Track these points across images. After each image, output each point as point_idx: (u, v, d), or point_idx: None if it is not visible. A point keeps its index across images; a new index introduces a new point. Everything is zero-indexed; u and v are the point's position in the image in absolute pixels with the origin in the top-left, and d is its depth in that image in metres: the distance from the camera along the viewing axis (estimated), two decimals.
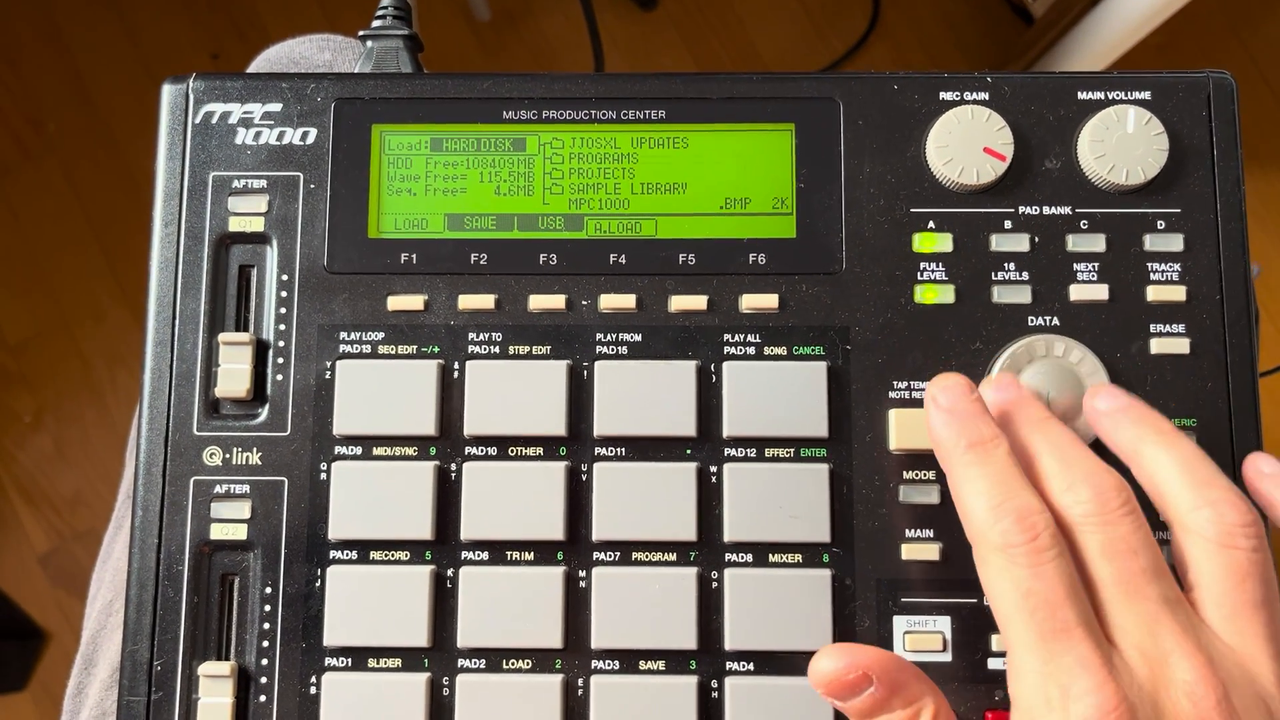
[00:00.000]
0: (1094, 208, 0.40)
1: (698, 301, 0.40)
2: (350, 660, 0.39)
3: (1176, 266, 0.40)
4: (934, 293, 0.40)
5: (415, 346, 0.40)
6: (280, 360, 0.40)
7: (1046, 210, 0.41)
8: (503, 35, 1.32)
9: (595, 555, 0.39)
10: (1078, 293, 0.40)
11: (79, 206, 1.27)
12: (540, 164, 0.41)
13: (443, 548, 0.39)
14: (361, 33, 0.46)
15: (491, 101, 0.42)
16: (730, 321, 0.40)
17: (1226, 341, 0.40)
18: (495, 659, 0.39)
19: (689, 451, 0.40)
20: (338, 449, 0.40)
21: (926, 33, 1.32)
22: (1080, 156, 0.40)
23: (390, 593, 0.39)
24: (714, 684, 0.38)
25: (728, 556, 0.39)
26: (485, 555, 0.39)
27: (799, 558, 0.39)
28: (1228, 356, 0.40)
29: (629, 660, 0.39)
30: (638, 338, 0.40)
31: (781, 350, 0.40)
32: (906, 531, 0.39)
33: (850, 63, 1.31)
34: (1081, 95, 0.41)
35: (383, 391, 0.40)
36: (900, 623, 0.39)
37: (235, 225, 0.41)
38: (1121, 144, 0.40)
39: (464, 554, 0.39)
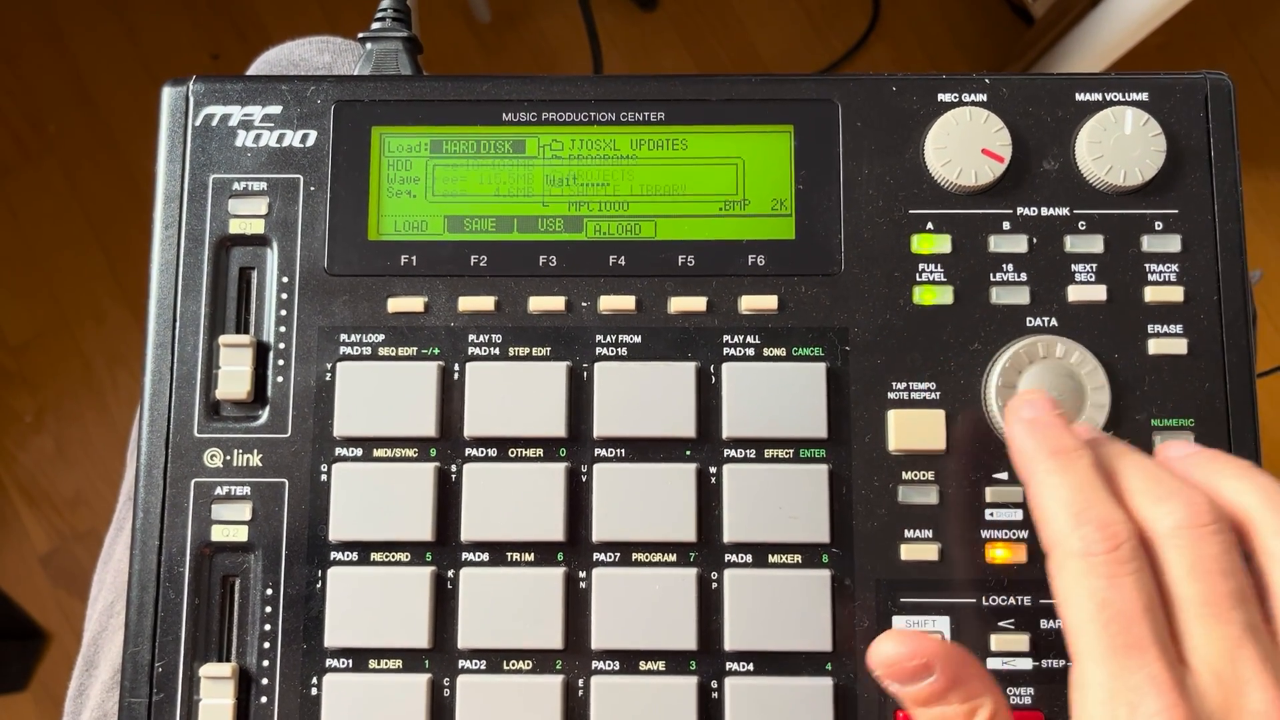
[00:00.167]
0: (1092, 209, 0.41)
1: (697, 303, 0.40)
2: (351, 661, 0.39)
3: (1174, 267, 0.40)
4: (933, 294, 0.40)
5: (415, 348, 0.41)
6: (281, 362, 0.40)
7: (1045, 211, 0.41)
8: (502, 36, 1.32)
9: (595, 556, 0.39)
10: (1076, 294, 0.40)
11: (79, 207, 1.27)
12: (540, 166, 0.42)
13: (443, 549, 0.39)
14: (361, 35, 0.46)
15: (491, 104, 0.42)
16: (729, 323, 0.40)
17: (1224, 342, 0.40)
18: (496, 660, 0.39)
19: (688, 452, 0.40)
20: (338, 451, 0.40)
21: (926, 33, 1.32)
22: (1078, 158, 0.41)
23: (391, 594, 0.39)
24: (714, 684, 0.39)
25: (727, 557, 0.39)
26: (485, 556, 0.39)
27: (798, 558, 0.39)
28: (1225, 357, 0.40)
29: (629, 661, 0.39)
30: (637, 339, 0.40)
31: (781, 351, 0.40)
32: (905, 532, 0.39)
33: (850, 63, 1.31)
34: (1079, 97, 0.41)
35: (383, 393, 0.40)
36: (899, 623, 0.39)
37: (235, 227, 0.41)
38: (1119, 145, 0.40)
39: (464, 555, 0.39)
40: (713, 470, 0.40)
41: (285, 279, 0.41)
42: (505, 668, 0.39)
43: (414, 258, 0.41)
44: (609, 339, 0.40)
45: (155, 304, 0.41)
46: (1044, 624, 0.39)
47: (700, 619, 0.39)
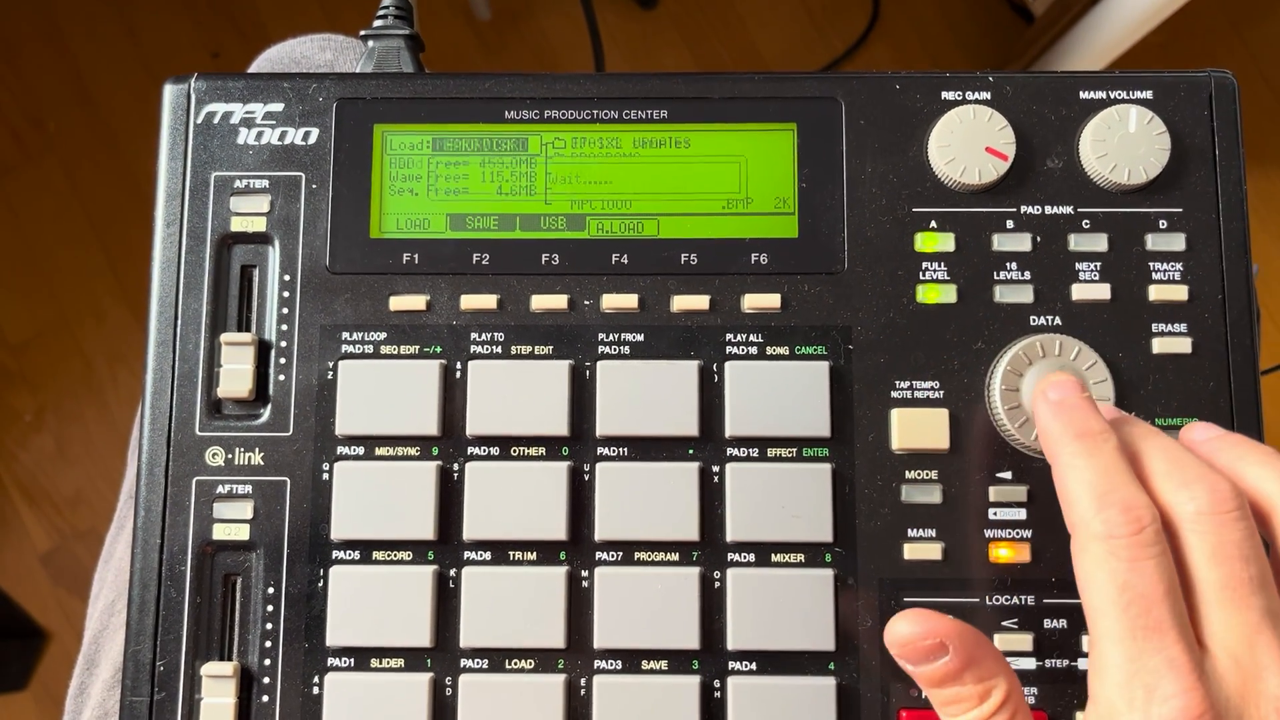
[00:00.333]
0: (1096, 207, 0.40)
1: (700, 301, 0.40)
2: (353, 660, 0.39)
3: (1178, 266, 0.40)
4: (936, 292, 0.40)
5: (417, 346, 0.40)
6: (282, 360, 0.40)
7: (1048, 210, 0.40)
8: (503, 35, 1.32)
9: (598, 555, 0.39)
10: (1080, 292, 0.40)
11: (79, 205, 1.27)
12: (542, 164, 0.41)
13: (445, 548, 0.39)
14: (363, 32, 0.46)
15: (493, 101, 0.42)
16: (732, 321, 0.40)
17: (1228, 340, 0.40)
18: (498, 659, 0.39)
19: (691, 451, 0.40)
20: (340, 449, 0.40)
21: (927, 31, 1.32)
22: (1082, 156, 0.40)
23: (393, 593, 0.39)
24: (716, 684, 0.38)
25: (730, 556, 0.39)
26: (488, 555, 0.39)
27: (801, 557, 0.39)
28: (1229, 356, 0.40)
29: (631, 660, 0.39)
30: (640, 337, 0.40)
31: (784, 350, 0.40)
32: (909, 531, 0.39)
33: (850, 62, 1.31)
34: (1083, 95, 0.41)
35: (385, 391, 0.40)
36: None
37: (237, 225, 0.41)
38: (1123, 143, 0.40)
39: (466, 554, 0.39)
40: (715, 469, 0.39)
41: (287, 277, 0.41)
42: (507, 667, 0.39)
43: (416, 256, 0.41)
44: (611, 337, 0.40)
45: (157, 302, 0.41)
46: (1047, 624, 0.38)
47: (703, 618, 0.39)
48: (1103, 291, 0.40)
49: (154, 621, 0.39)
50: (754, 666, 0.39)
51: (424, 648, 0.39)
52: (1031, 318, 0.40)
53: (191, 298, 0.41)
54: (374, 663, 0.39)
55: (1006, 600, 0.39)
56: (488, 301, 0.41)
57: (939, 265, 0.40)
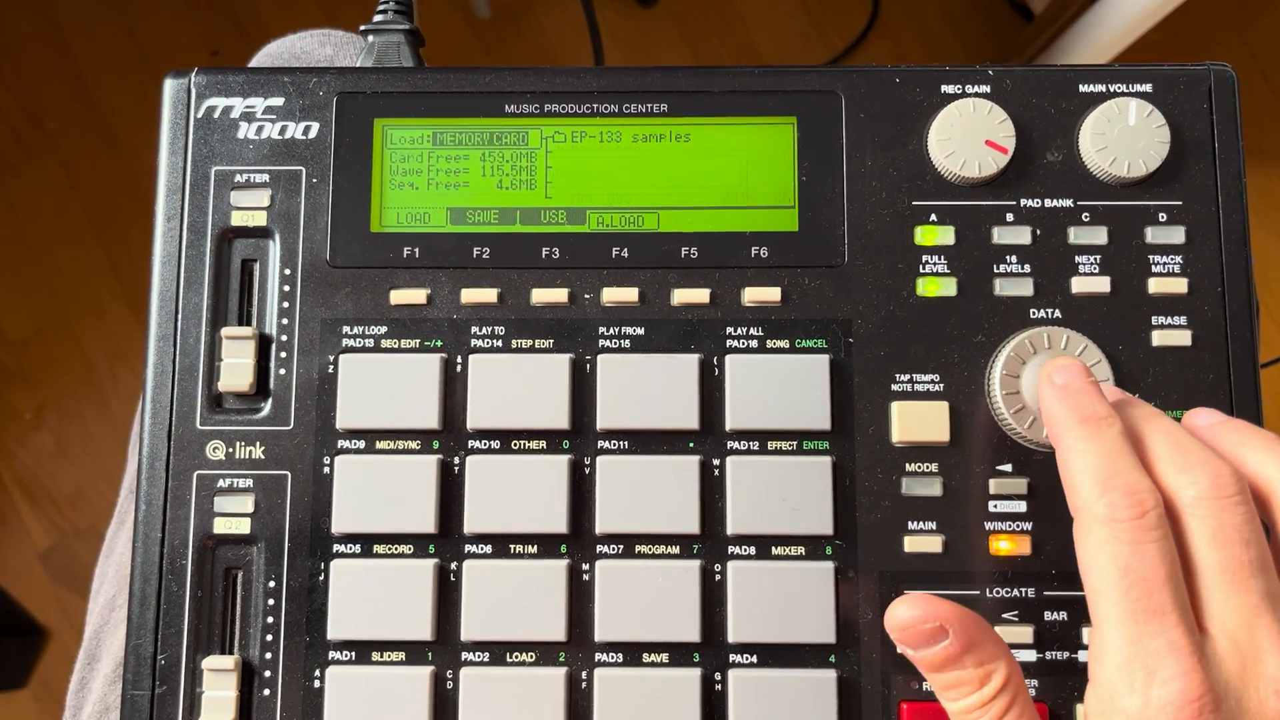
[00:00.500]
0: (1095, 200, 0.41)
1: (700, 295, 0.40)
2: (354, 654, 0.39)
3: (1178, 259, 0.40)
4: (936, 285, 0.40)
5: (418, 340, 0.40)
6: (283, 354, 0.40)
7: (1048, 203, 0.41)
8: (503, 32, 1.32)
9: (598, 548, 0.39)
10: (1079, 285, 0.40)
11: (79, 203, 1.27)
12: (542, 158, 0.41)
13: (446, 541, 0.39)
14: (363, 27, 0.46)
15: (494, 95, 0.42)
16: (732, 314, 0.40)
17: (1228, 333, 0.40)
18: (499, 652, 0.39)
19: (691, 444, 0.40)
20: (341, 443, 0.40)
21: (926, 29, 1.32)
22: (1082, 149, 0.41)
23: (394, 586, 0.39)
24: (717, 676, 0.39)
25: (730, 549, 0.39)
26: (488, 548, 0.39)
27: (802, 550, 0.39)
28: (1229, 348, 0.40)
29: (632, 653, 0.39)
30: (640, 331, 0.40)
31: (784, 343, 0.40)
32: (909, 524, 0.39)
33: (850, 59, 1.31)
34: (1083, 88, 0.41)
35: (386, 385, 0.40)
36: None
37: (238, 220, 0.41)
38: (1123, 136, 0.40)
39: (467, 547, 0.39)
40: (716, 462, 0.40)
41: (287, 271, 0.41)
42: (508, 660, 0.39)
43: (416, 250, 0.41)
44: (612, 331, 0.40)
45: (157, 297, 0.41)
46: (1048, 616, 0.38)
47: (703, 611, 0.39)
48: (1102, 284, 0.40)
49: (155, 616, 0.39)
50: (755, 659, 0.39)
51: (425, 641, 0.39)
52: (1031, 311, 0.40)
53: (192, 292, 0.41)
54: (375, 656, 0.39)
55: (1007, 593, 0.39)
56: (488, 295, 0.41)
57: (939, 258, 0.40)
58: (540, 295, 0.41)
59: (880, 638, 0.38)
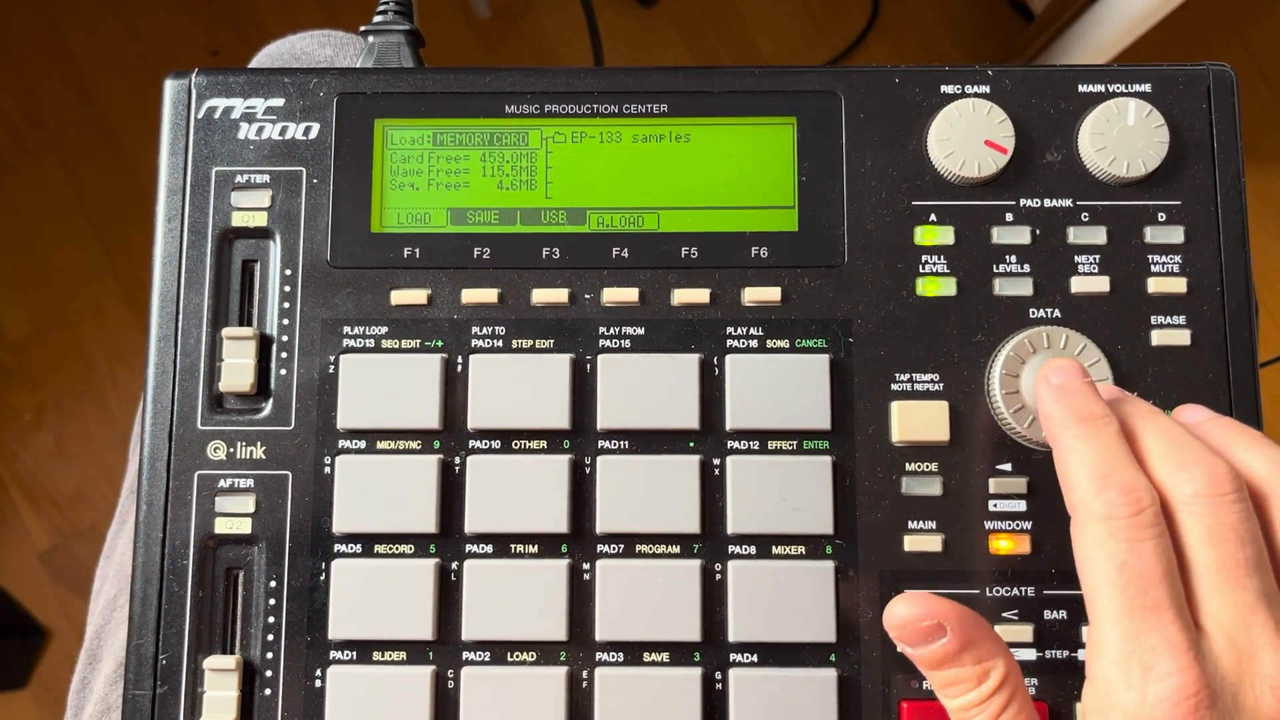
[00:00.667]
0: (1095, 200, 0.41)
1: (700, 295, 0.40)
2: (355, 653, 0.39)
3: (1177, 258, 0.40)
4: (936, 285, 0.40)
5: (418, 340, 0.41)
6: (284, 355, 0.40)
7: (1047, 203, 0.41)
8: (503, 33, 1.32)
9: (599, 548, 0.39)
10: (1079, 285, 0.40)
11: (79, 203, 1.27)
12: (542, 158, 0.42)
13: (447, 541, 0.39)
14: (363, 28, 0.46)
15: (494, 96, 0.42)
16: (733, 314, 0.40)
17: (1227, 333, 0.40)
18: (500, 651, 0.39)
19: (692, 444, 0.40)
20: (341, 443, 0.40)
21: (926, 29, 1.32)
22: (1081, 149, 0.41)
23: (395, 586, 0.39)
24: (718, 675, 0.39)
25: (731, 548, 0.39)
26: (489, 548, 0.39)
27: (802, 549, 0.39)
28: (1228, 347, 0.40)
29: (633, 652, 0.39)
30: (640, 331, 0.40)
31: (784, 343, 0.40)
32: (909, 523, 0.39)
33: (849, 60, 1.31)
34: (1082, 88, 0.41)
35: (386, 385, 0.40)
36: None
37: (238, 220, 0.41)
38: (1122, 136, 0.40)
39: (468, 547, 0.39)
40: (716, 462, 0.40)
41: (288, 271, 0.41)
42: (509, 659, 0.39)
43: (417, 250, 0.41)
44: (612, 331, 0.40)
45: (158, 297, 0.41)
46: (1047, 615, 0.39)
47: (704, 610, 0.39)
48: (1102, 284, 0.40)
49: (156, 616, 0.39)
50: (755, 658, 0.39)
51: (426, 640, 0.39)
52: (1031, 310, 0.40)
53: (193, 292, 0.41)
54: (376, 655, 0.39)
55: (1007, 592, 0.39)
56: (488, 295, 0.41)
57: (939, 258, 0.40)
58: (540, 295, 0.41)
59: (880, 637, 0.38)
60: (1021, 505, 0.39)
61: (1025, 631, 0.38)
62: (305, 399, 0.40)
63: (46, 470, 1.22)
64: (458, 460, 0.40)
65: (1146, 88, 0.41)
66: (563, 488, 0.39)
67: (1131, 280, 0.40)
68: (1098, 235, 0.40)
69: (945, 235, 0.41)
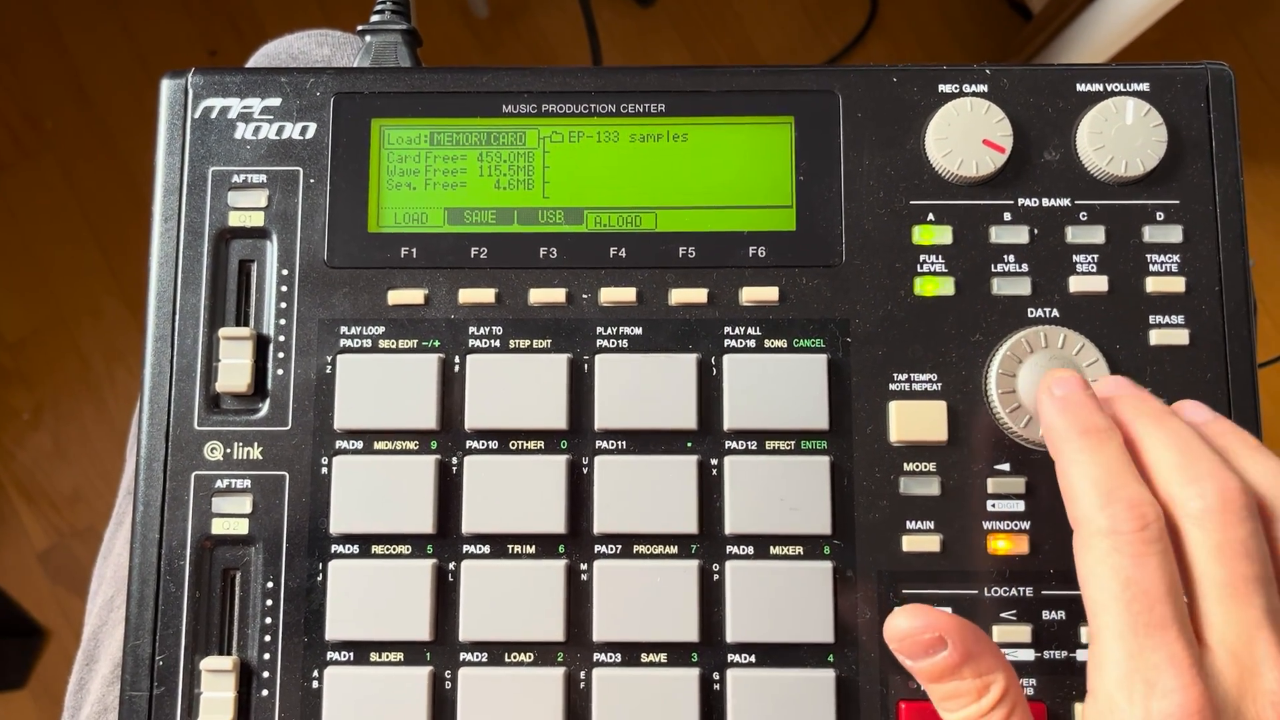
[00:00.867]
0: (1093, 199, 0.41)
1: (698, 294, 0.40)
2: (352, 654, 0.39)
3: (1175, 258, 0.40)
4: (934, 285, 0.40)
5: (416, 340, 0.40)
6: (281, 355, 0.40)
7: (1046, 202, 0.41)
8: (501, 32, 1.32)
9: (596, 548, 0.39)
10: (1077, 284, 0.40)
11: (76, 203, 1.27)
12: (540, 158, 0.41)
13: (444, 541, 0.39)
14: (360, 27, 0.46)
15: (491, 95, 0.42)
16: (730, 314, 0.40)
17: (1225, 332, 0.40)
18: (497, 652, 0.39)
19: (690, 444, 0.40)
20: (339, 443, 0.40)
21: (924, 29, 1.32)
22: (1079, 148, 0.41)
23: (392, 586, 0.39)
24: (716, 676, 0.39)
25: (729, 549, 0.39)
26: (487, 549, 0.39)
27: (800, 550, 0.39)
28: (1227, 347, 0.40)
29: (631, 653, 0.39)
30: (638, 331, 0.40)
31: (782, 343, 0.40)
32: (907, 523, 0.39)
33: (848, 59, 1.31)
34: (1080, 87, 0.41)
35: (384, 385, 0.40)
36: None
37: (235, 220, 0.41)
38: (1120, 136, 0.40)
39: (465, 547, 0.39)
40: (714, 462, 0.40)
41: (285, 271, 0.41)
42: (507, 660, 0.39)
43: (414, 250, 0.41)
44: (610, 331, 0.40)
45: (155, 297, 0.41)
46: (1046, 615, 0.38)
47: (702, 611, 0.39)
48: (1100, 283, 0.40)
49: (153, 616, 0.39)
50: (753, 659, 0.39)
51: (423, 641, 0.39)
52: (1029, 310, 0.40)
53: (190, 293, 0.41)
54: (373, 656, 0.39)
55: (1005, 592, 0.39)
56: (486, 295, 0.41)
57: (936, 258, 0.40)
58: (538, 295, 0.41)
59: (878, 637, 0.38)
60: (1020, 505, 0.39)
61: (1023, 632, 0.38)
62: (302, 399, 0.40)
63: (44, 470, 1.22)
64: (455, 460, 0.40)
65: (1145, 87, 0.41)
66: (560, 488, 0.39)
67: (1130, 280, 0.40)
68: (1096, 235, 0.40)
69: (943, 235, 0.40)
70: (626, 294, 0.40)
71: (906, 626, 0.33)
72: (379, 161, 0.42)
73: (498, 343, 0.40)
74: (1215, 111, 0.41)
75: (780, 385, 0.40)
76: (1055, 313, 0.40)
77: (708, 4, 1.32)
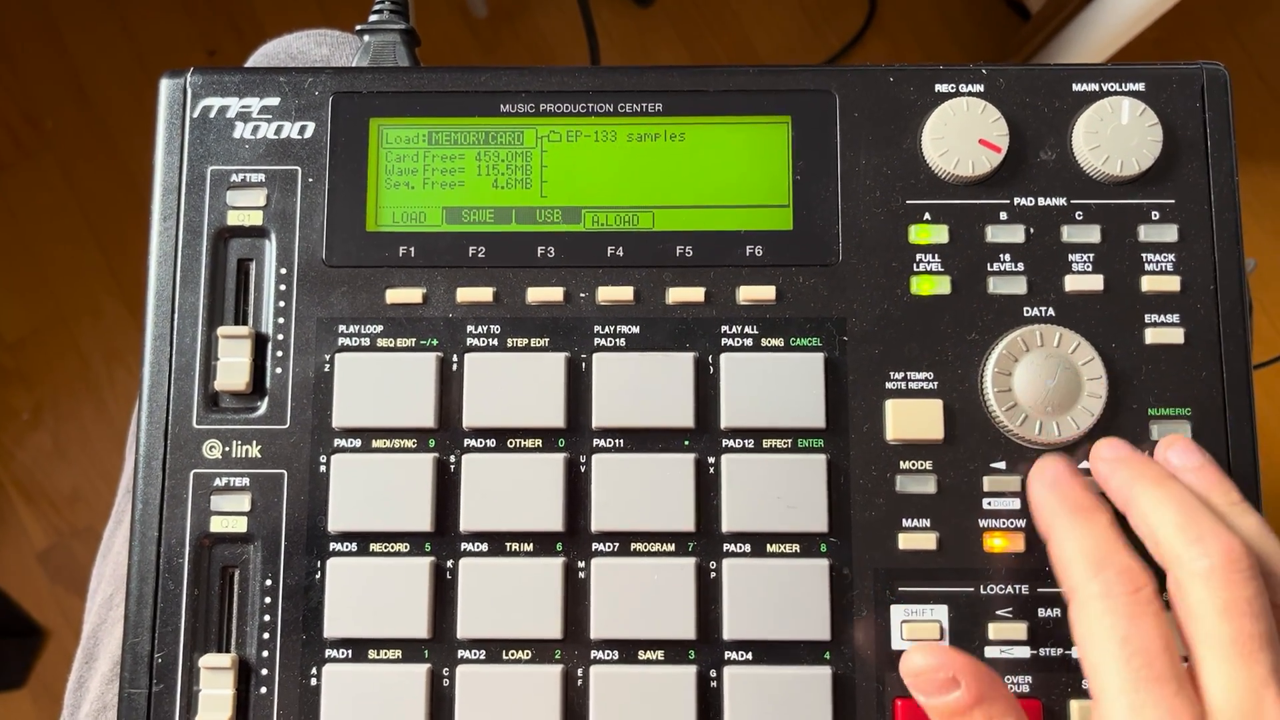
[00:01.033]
0: (1089, 199, 0.41)
1: (695, 293, 0.40)
2: (351, 652, 0.39)
3: (1171, 257, 0.40)
4: (930, 284, 0.40)
5: (414, 339, 0.41)
6: (279, 353, 0.41)
7: (1041, 201, 0.41)
8: (499, 32, 1.32)
9: (594, 546, 0.39)
10: (1073, 283, 0.40)
11: (76, 203, 1.27)
12: (538, 157, 0.42)
13: (442, 539, 0.39)
14: (359, 27, 0.46)
15: (489, 95, 0.42)
16: (728, 313, 0.40)
17: (1221, 332, 0.40)
18: (495, 650, 0.39)
19: (687, 443, 0.40)
20: (337, 441, 0.40)
21: (923, 29, 1.32)
22: (1075, 148, 0.41)
23: (390, 584, 0.39)
24: (713, 673, 0.39)
25: (726, 547, 0.39)
26: (485, 546, 0.39)
27: (797, 548, 0.39)
28: (1222, 347, 0.40)
29: (628, 650, 0.39)
30: (635, 330, 0.40)
31: (779, 341, 0.40)
32: (903, 521, 0.39)
33: (846, 59, 1.31)
34: (1076, 87, 0.41)
35: (382, 384, 0.40)
36: (898, 612, 0.39)
37: (234, 219, 0.41)
38: (1116, 135, 0.40)
39: (463, 545, 0.39)
40: (711, 460, 0.40)
41: (284, 270, 0.41)
42: (504, 657, 0.39)
43: (412, 249, 0.41)
44: (607, 329, 0.40)
45: (154, 296, 0.41)
46: (1042, 612, 0.39)
47: (699, 608, 0.39)
48: (1096, 283, 0.40)
49: (152, 614, 0.39)
50: (750, 656, 0.39)
51: (421, 639, 0.39)
52: (1025, 309, 0.40)
53: (188, 291, 0.41)
54: (372, 654, 0.39)
55: (1001, 589, 0.39)
56: (484, 294, 0.41)
57: (933, 257, 0.41)
58: (536, 294, 0.41)
59: (875, 635, 0.39)
60: (1015, 503, 0.39)
61: (1019, 629, 0.38)
62: (300, 398, 0.40)
63: (44, 470, 1.22)
64: (453, 459, 0.40)
65: (1140, 87, 0.41)
66: (558, 486, 0.39)
67: (1125, 278, 0.40)
68: (1092, 234, 0.40)
69: (939, 234, 0.41)
70: (624, 293, 0.41)
71: (921, 664, 0.34)
72: (377, 161, 0.42)
73: (496, 341, 0.41)
74: (1210, 111, 0.41)
75: (777, 384, 0.40)
76: (1051, 311, 0.40)
77: (706, 3, 1.32)
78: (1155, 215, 0.40)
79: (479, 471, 0.39)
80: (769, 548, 0.39)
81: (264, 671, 0.39)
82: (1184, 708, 0.31)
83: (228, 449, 0.40)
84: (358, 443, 0.40)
